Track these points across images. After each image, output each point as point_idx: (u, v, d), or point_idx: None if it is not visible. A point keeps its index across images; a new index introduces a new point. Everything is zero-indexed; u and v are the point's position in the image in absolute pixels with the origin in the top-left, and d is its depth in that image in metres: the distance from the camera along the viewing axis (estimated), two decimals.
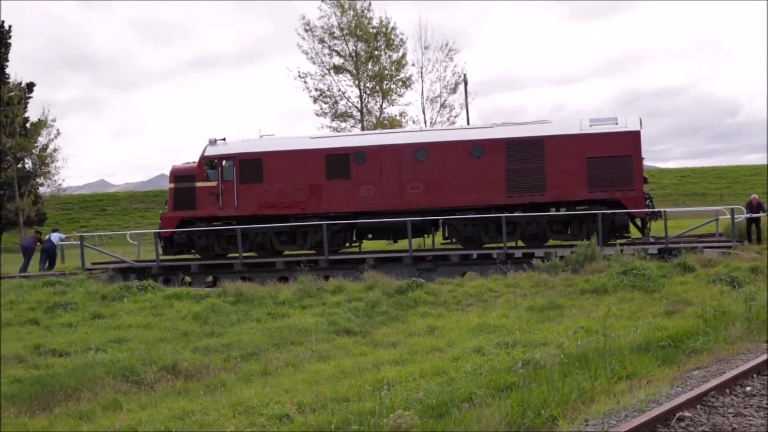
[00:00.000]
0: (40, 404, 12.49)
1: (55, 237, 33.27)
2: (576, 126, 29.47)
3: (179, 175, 33.01)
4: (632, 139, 28.61)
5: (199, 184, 32.36)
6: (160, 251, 32.11)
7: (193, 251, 32.50)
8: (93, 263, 32.28)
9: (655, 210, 29.01)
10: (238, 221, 31.69)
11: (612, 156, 28.63)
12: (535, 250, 27.73)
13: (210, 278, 30.61)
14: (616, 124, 29.00)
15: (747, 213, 29.56)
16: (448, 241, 30.90)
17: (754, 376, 10.48)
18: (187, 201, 32.55)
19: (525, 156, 29.46)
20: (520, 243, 29.40)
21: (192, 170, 32.69)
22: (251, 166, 32.09)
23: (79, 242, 33.01)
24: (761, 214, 29.53)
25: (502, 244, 28.81)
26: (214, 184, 32.11)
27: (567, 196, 28.98)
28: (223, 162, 32.18)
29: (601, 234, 27.41)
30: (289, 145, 32.63)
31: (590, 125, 29.15)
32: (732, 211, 28.07)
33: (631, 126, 28.72)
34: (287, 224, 31.15)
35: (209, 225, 31.87)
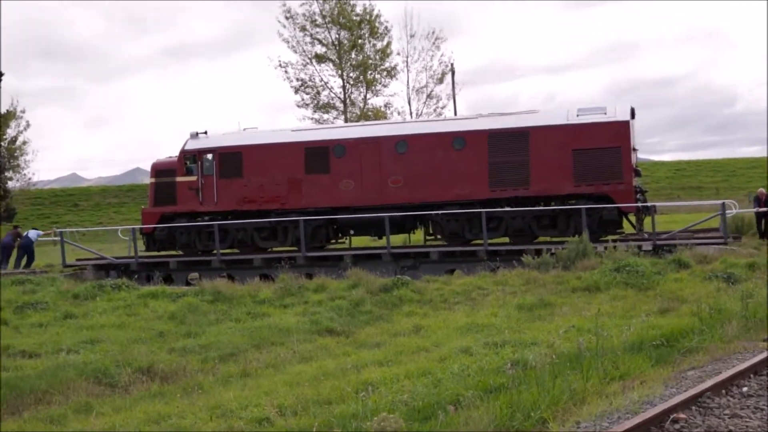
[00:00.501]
0: (8, 408, 12.45)
1: (33, 234, 33.62)
2: (562, 116, 29.11)
3: (160, 170, 33.20)
4: (621, 129, 27.97)
5: (179, 178, 32.50)
6: (141, 247, 32.33)
7: (176, 247, 32.52)
8: (78, 259, 32.72)
9: (647, 204, 28.55)
10: (218, 217, 31.72)
11: (599, 147, 28.07)
12: (520, 247, 27.49)
13: (196, 275, 30.59)
14: (605, 114, 28.41)
15: (755, 207, 29.25)
16: (432, 237, 30.84)
17: (752, 376, 10.53)
18: (167, 196, 32.69)
19: (509, 148, 29.13)
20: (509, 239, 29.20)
21: (172, 164, 32.83)
22: (231, 161, 32.10)
23: (58, 239, 33.36)
24: (766, 209, 28.95)
25: (490, 239, 28.69)
26: (194, 178, 32.23)
27: (552, 191, 28.59)
28: (203, 156, 32.26)
29: (588, 230, 26.97)
30: (269, 139, 32.65)
31: (577, 115, 28.69)
32: (723, 206, 27.46)
33: (620, 116, 28.16)
34: (266, 220, 31.14)
35: (190, 221, 31.94)
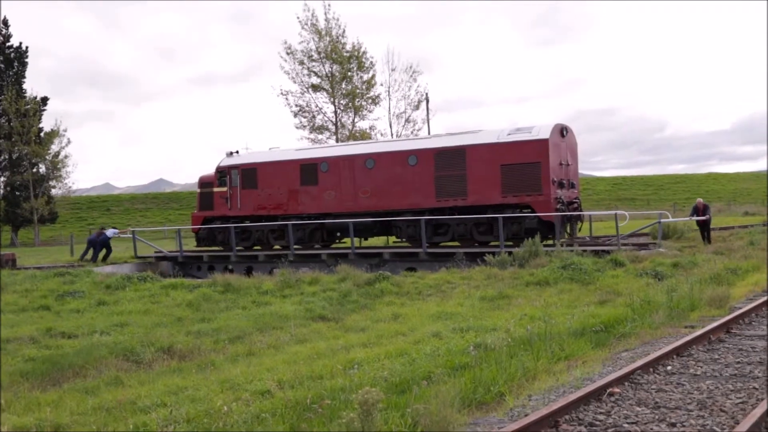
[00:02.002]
0: (50, 380, 12.38)
1: (110, 232, 34.99)
2: (494, 136, 28.65)
3: (203, 182, 35.62)
4: (541, 146, 27.27)
5: (215, 189, 34.67)
6: (185, 245, 35.33)
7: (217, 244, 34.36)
8: (156, 251, 35.15)
9: (566, 213, 27.45)
10: (240, 220, 33.58)
11: (523, 163, 27.54)
12: (453, 250, 27.44)
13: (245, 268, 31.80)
14: (530, 133, 27.81)
15: (693, 216, 28.64)
16: (399, 240, 30.99)
17: (674, 356, 10.57)
18: (207, 203, 35.08)
19: (450, 164, 28.96)
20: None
21: (211, 178, 35.02)
22: (250, 175, 33.79)
23: (130, 236, 36.13)
24: (707, 217, 28.39)
25: (440, 242, 28.99)
26: (225, 189, 34.22)
27: (484, 201, 28.21)
28: (232, 171, 34.16)
29: (515, 236, 26.97)
30: (276, 157, 34.01)
31: (507, 134, 28.25)
32: (660, 216, 27.39)
33: (541, 134, 27.47)
34: (272, 224, 32.41)
35: (223, 223, 33.78)
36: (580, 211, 28.82)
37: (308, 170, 32.41)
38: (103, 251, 33.27)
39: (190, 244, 37.06)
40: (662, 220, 27.28)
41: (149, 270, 29.99)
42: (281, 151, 35.14)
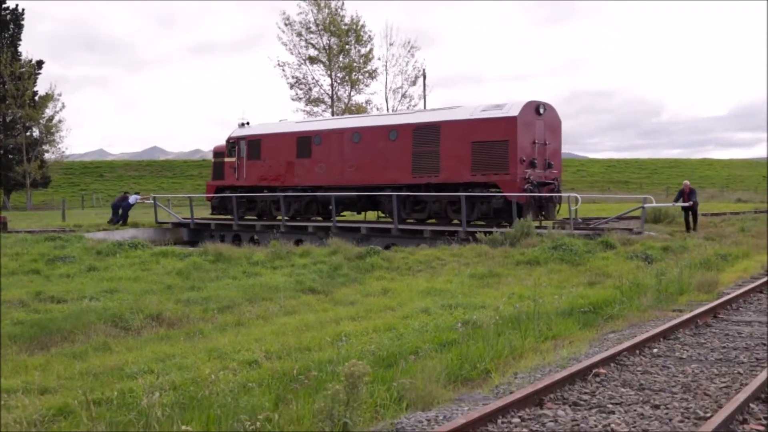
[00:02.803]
0: (38, 344, 12.37)
1: (133, 198, 36.36)
2: (468, 112, 28.15)
3: (216, 152, 36.99)
4: (509, 124, 26.52)
5: (226, 159, 35.78)
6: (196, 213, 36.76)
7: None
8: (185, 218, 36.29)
9: (535, 194, 26.29)
10: (248, 190, 34.52)
11: (491, 141, 26.90)
12: (419, 227, 27.67)
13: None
14: (501, 110, 27.07)
15: (680, 200, 27.61)
16: (384, 215, 31.21)
17: (661, 339, 10.62)
18: (219, 172, 36.34)
19: (426, 140, 28.63)
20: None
21: (222, 148, 36.13)
22: (255, 146, 34.65)
23: (152, 202, 37.24)
24: (690, 203, 27.09)
25: (418, 219, 29.08)
26: (233, 159, 35.30)
27: (455, 178, 27.79)
28: (240, 142, 35.10)
29: (485, 216, 26.77)
30: (277, 129, 34.71)
31: (481, 111, 27.60)
32: (644, 200, 26.75)
33: (511, 112, 26.72)
34: (270, 194, 33.24)
35: (233, 192, 34.84)
36: (559, 192, 27.90)
37: (303, 143, 32.70)
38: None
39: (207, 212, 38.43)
40: (646, 205, 26.65)
41: (168, 236, 32.65)
42: (283, 123, 35.89)
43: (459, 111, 28.78)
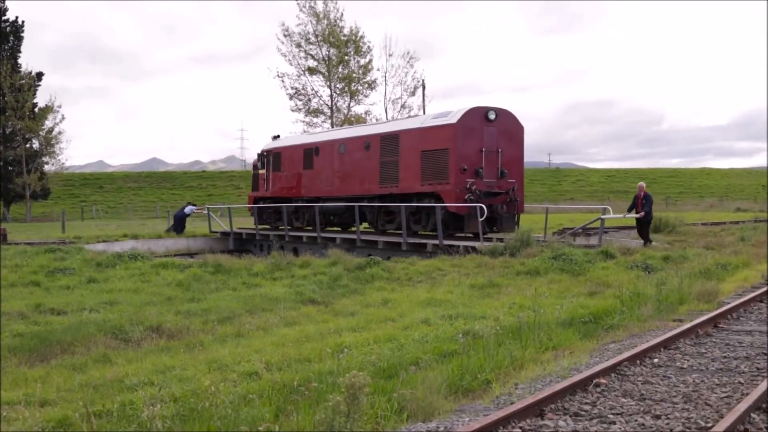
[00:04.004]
0: (38, 356, 12.37)
1: (188, 209, 38.46)
2: (420, 121, 27.75)
3: (254, 164, 38.35)
4: (450, 132, 25.67)
5: (260, 171, 37.08)
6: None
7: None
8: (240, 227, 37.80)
9: (473, 205, 24.64)
10: (273, 201, 35.52)
11: (436, 150, 26.15)
12: (375, 238, 27.56)
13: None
14: (446, 118, 26.26)
15: (633, 209, 24.65)
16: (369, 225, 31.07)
17: (662, 349, 10.61)
18: (255, 184, 38.34)
19: (390, 150, 28.23)
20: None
21: (257, 161, 37.43)
22: (277, 159, 35.69)
23: (206, 213, 39.36)
24: (641, 214, 24.08)
25: (389, 230, 28.86)
26: (264, 171, 36.59)
27: (409, 189, 27.22)
28: (269, 155, 36.25)
29: (430, 226, 26.11)
30: (292, 142, 35.82)
31: (432, 119, 27.03)
32: (603, 211, 25.84)
33: (451, 119, 25.92)
34: (280, 205, 34.07)
35: (265, 202, 36.00)
36: (515, 203, 26.41)
37: (308, 155, 33.18)
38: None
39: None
40: (604, 216, 25.29)
41: (219, 245, 35.08)
42: (297, 136, 37.85)
43: (415, 120, 28.66)
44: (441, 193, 25.80)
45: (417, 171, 26.94)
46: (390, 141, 28.45)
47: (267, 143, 37.21)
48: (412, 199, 27.02)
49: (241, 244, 35.38)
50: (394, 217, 28.17)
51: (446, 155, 25.80)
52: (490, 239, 24.67)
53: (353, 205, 28.96)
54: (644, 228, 24.72)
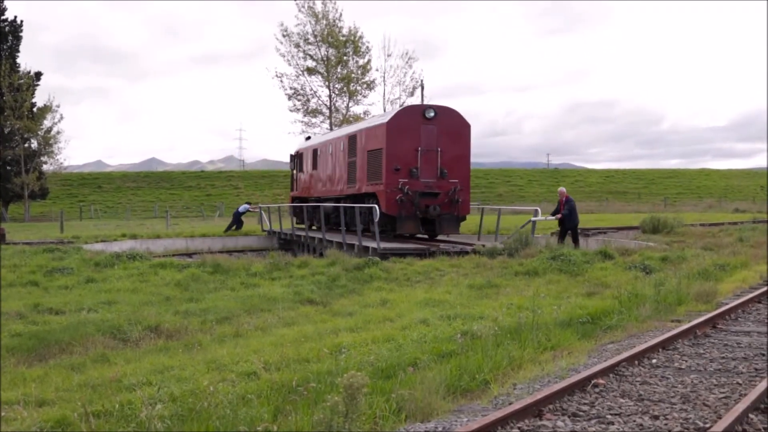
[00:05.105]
0: (36, 356, 12.36)
1: (242, 207, 39.73)
2: (370, 121, 27.99)
3: (291, 165, 39.72)
4: (382, 131, 25.29)
5: (294, 171, 38.56)
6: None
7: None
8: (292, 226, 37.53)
9: (407, 205, 24.53)
10: (300, 200, 36.60)
11: (374, 150, 25.88)
12: (334, 238, 26.79)
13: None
14: (383, 117, 26.23)
15: (556, 210, 24.94)
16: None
17: (660, 350, 10.62)
18: (292, 183, 39.41)
19: (353, 150, 28.16)
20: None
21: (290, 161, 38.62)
22: (300, 159, 37.03)
23: (259, 211, 40.08)
24: (557, 217, 24.46)
25: (324, 233, 28.47)
26: (295, 171, 38.24)
27: (361, 189, 26.97)
28: (295, 156, 37.86)
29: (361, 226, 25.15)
30: (309, 143, 36.75)
31: (375, 119, 27.26)
32: (534, 213, 25.40)
33: (384, 118, 25.77)
34: (289, 204, 36.88)
35: (300, 201, 36.42)
36: (456, 204, 25.57)
37: (315, 156, 34.14)
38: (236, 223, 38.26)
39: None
40: (534, 219, 24.86)
41: (270, 243, 35.47)
42: (319, 135, 39.29)
43: (369, 120, 29.26)
44: (377, 193, 25.44)
45: (365, 171, 26.94)
46: (353, 141, 28.55)
47: (298, 145, 39.19)
48: (363, 199, 26.76)
49: (286, 243, 34.66)
50: (365, 218, 26.58)
51: (380, 156, 25.54)
52: (424, 239, 25.08)
53: (338, 206, 28.76)
54: (566, 232, 24.76)
